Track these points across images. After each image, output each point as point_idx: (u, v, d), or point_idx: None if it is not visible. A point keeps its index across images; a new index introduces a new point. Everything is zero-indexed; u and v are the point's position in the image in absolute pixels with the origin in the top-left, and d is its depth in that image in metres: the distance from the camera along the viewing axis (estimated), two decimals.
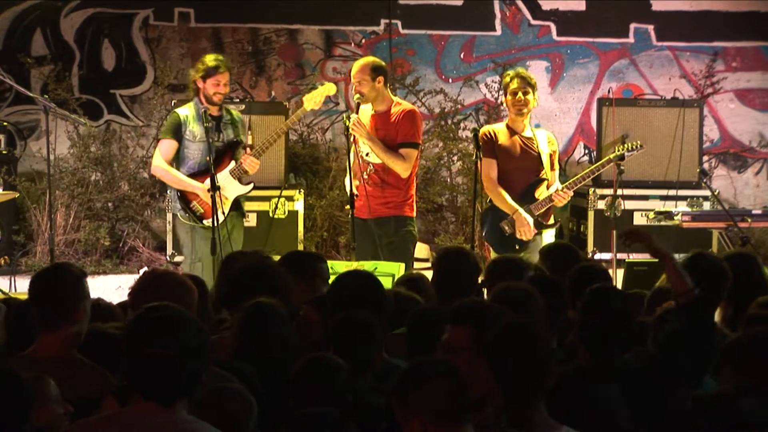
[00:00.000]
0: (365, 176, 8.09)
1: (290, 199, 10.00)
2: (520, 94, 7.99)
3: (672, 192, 10.15)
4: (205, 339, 3.54)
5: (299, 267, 5.54)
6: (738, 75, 11.75)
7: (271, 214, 9.83)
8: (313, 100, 8.37)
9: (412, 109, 8.23)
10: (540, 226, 8.06)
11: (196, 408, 3.67)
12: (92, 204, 10.81)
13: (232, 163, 8.21)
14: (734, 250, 7.42)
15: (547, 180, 8.07)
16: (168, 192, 9.72)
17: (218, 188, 7.92)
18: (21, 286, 9.54)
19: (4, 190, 9.92)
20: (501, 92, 11.21)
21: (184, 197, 8.16)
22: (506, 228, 8.03)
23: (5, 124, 10.81)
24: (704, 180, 9.73)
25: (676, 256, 4.68)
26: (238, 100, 10.51)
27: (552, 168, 8.12)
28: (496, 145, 8.08)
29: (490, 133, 8.12)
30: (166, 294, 4.28)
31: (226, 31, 11.48)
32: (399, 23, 11.52)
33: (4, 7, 11.19)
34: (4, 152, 10.62)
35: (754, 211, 9.76)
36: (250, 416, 3.83)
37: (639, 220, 10.15)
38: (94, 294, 4.72)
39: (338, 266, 6.82)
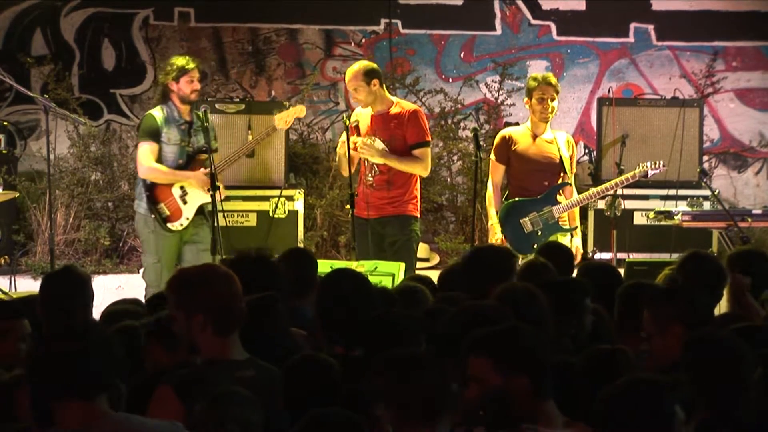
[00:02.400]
0: (370, 177, 8.11)
1: (290, 198, 10.00)
2: (548, 101, 8.11)
3: (672, 192, 10.15)
4: (111, 337, 3.60)
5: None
6: (738, 75, 11.75)
7: (271, 214, 9.84)
8: (283, 120, 8.57)
9: (415, 110, 8.29)
10: (559, 229, 8.14)
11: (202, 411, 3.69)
12: (92, 204, 10.80)
13: (201, 170, 8.21)
14: (743, 246, 7.38)
15: (571, 184, 8.19)
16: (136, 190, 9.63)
17: (218, 188, 7.96)
18: (21, 286, 9.55)
19: (4, 189, 9.92)
20: (502, 92, 11.35)
21: (152, 197, 8.19)
22: (528, 225, 8.09)
23: (5, 123, 10.80)
24: (704, 180, 9.73)
25: (675, 255, 4.69)
26: (238, 99, 10.51)
27: (571, 170, 8.22)
28: (511, 151, 8.16)
29: (506, 138, 8.22)
30: (212, 286, 4.21)
31: (226, 31, 11.47)
32: (399, 23, 11.52)
33: (4, 7, 11.18)
34: (4, 152, 10.62)
35: (754, 211, 9.75)
36: (254, 418, 3.80)
37: (639, 219, 10.15)
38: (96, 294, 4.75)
39: (339, 266, 6.81)
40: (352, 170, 7.96)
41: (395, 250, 8.03)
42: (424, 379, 3.57)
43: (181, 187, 8.20)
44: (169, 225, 8.17)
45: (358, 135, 8.11)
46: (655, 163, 8.34)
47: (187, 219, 8.22)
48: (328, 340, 4.57)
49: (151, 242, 8.25)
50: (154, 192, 8.20)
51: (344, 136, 8.02)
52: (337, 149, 8.30)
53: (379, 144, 8.09)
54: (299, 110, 8.67)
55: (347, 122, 8.01)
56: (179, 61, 8.28)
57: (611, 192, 8.54)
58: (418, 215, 8.31)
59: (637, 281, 5.29)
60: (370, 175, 8.12)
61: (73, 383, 3.44)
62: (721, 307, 5.72)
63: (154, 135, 8.18)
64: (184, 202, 8.21)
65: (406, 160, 8.08)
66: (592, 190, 8.36)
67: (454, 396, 3.62)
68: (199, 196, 8.24)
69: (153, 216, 8.18)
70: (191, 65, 8.24)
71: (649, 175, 8.39)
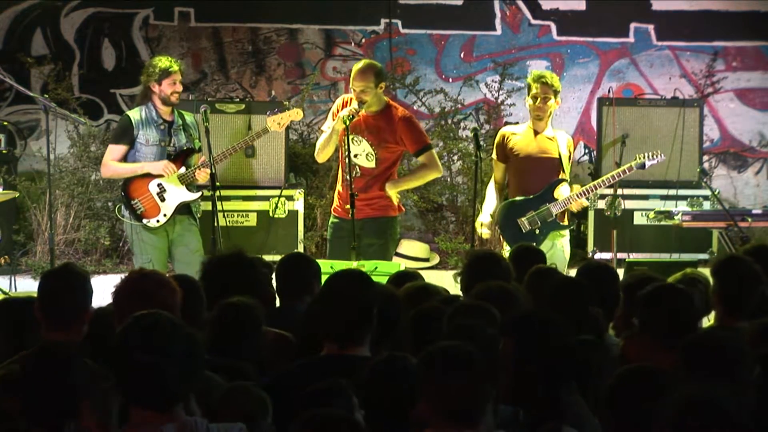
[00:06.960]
0: (349, 178, 7.99)
1: (290, 198, 10.00)
2: (540, 99, 8.07)
3: (672, 192, 10.15)
4: (194, 343, 3.51)
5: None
6: (738, 75, 11.75)
7: (271, 214, 9.84)
8: (276, 122, 8.46)
9: (407, 116, 8.20)
10: (557, 226, 8.11)
11: (213, 407, 3.68)
12: (92, 203, 10.80)
13: (183, 169, 8.20)
14: (755, 243, 7.32)
15: (566, 181, 8.15)
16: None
17: (218, 187, 7.95)
18: (21, 286, 9.54)
19: (4, 189, 9.91)
20: (502, 92, 11.34)
21: (127, 195, 8.18)
22: (525, 225, 8.07)
23: (5, 123, 10.80)
24: (704, 179, 9.75)
25: (676, 255, 4.67)
26: (238, 99, 10.51)
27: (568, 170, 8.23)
28: (508, 149, 8.16)
29: (505, 136, 8.26)
30: (150, 295, 4.25)
31: (226, 30, 11.47)
32: (399, 23, 11.52)
33: (4, 7, 11.18)
34: (4, 152, 10.62)
35: (754, 211, 9.77)
36: (266, 413, 3.81)
37: (639, 219, 10.15)
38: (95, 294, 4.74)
39: (338, 266, 6.82)
40: (330, 155, 8.13)
41: (372, 252, 7.94)
42: (466, 378, 3.48)
43: (159, 184, 8.16)
44: (144, 221, 8.15)
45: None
46: (653, 154, 8.32)
47: (165, 216, 8.17)
48: (326, 340, 4.55)
49: (139, 244, 8.24)
50: (128, 189, 8.19)
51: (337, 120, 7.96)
52: (335, 125, 8.03)
53: (366, 145, 8.06)
54: (295, 113, 8.55)
55: (347, 122, 7.90)
56: (162, 62, 8.21)
57: (608, 185, 8.47)
58: (396, 213, 8.24)
59: (644, 274, 5.25)
60: (351, 175, 7.99)
61: (150, 395, 3.42)
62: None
63: (125, 136, 8.20)
64: (162, 199, 8.17)
65: (416, 175, 8.24)
66: (589, 185, 8.33)
67: (491, 398, 3.54)
68: (178, 193, 8.21)
69: (128, 213, 8.15)
70: (174, 67, 8.19)
71: (646, 166, 8.35)
